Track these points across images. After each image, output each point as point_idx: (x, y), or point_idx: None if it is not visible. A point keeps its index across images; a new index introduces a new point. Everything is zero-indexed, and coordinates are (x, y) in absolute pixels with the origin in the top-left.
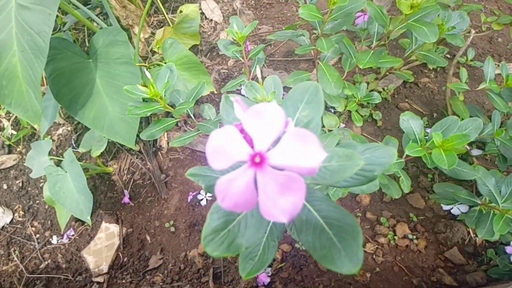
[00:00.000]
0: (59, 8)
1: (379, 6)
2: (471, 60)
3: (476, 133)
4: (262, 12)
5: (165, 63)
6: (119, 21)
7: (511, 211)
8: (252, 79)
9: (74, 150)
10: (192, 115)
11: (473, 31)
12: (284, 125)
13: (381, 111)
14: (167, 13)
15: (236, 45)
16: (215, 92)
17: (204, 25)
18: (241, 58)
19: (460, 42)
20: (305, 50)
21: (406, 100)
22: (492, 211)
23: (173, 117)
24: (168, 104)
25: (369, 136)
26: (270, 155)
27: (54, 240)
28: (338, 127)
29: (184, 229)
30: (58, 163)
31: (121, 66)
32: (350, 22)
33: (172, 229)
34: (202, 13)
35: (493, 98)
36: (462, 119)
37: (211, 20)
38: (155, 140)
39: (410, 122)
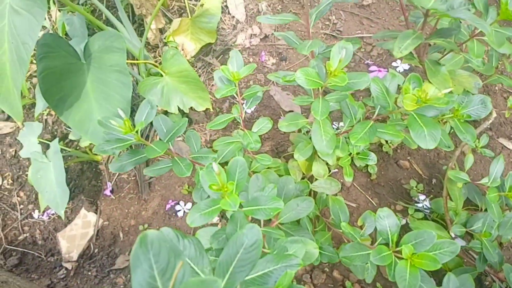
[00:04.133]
0: None
1: (384, 85)
2: (482, 147)
3: (451, 257)
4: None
5: (164, 72)
6: (132, 9)
7: None
8: (246, 118)
9: (66, 130)
10: (171, 147)
11: (494, 114)
12: None
13: (378, 164)
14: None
15: (231, 84)
16: (211, 110)
17: (225, 20)
18: (236, 95)
19: (470, 138)
20: (303, 101)
21: (408, 157)
22: None
23: None
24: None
25: (359, 188)
26: None
27: (36, 214)
28: (327, 176)
29: None
30: (47, 148)
31: (114, 74)
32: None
33: None
34: (226, 7)
35: (489, 204)
36: (456, 210)
37: (233, 17)
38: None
39: (387, 221)
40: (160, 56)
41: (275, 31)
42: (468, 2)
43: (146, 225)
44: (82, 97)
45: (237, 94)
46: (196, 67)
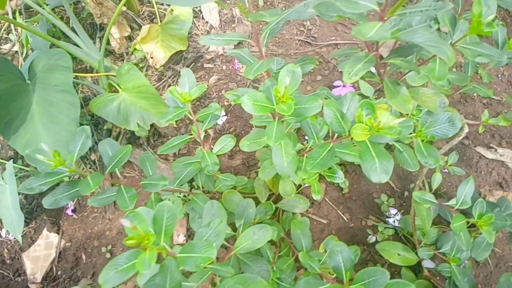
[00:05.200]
0: None
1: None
2: (451, 165)
3: None
4: (261, 26)
5: (121, 88)
6: (92, 19)
7: None
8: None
9: None
10: (118, 173)
11: (466, 130)
12: None
13: (350, 177)
14: (158, 4)
15: (181, 106)
16: (175, 125)
17: (198, 25)
18: (190, 115)
19: (432, 161)
20: (261, 122)
21: None
22: None
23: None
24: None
25: (330, 203)
26: None
27: (3, 233)
28: (295, 193)
29: None
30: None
31: (60, 94)
32: None
33: (108, 255)
34: (200, 11)
35: (456, 231)
36: (423, 231)
37: (207, 22)
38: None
39: (340, 256)
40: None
41: (249, 37)
42: (431, 18)
43: (109, 247)
44: (28, 120)
45: (190, 114)
46: (165, 76)
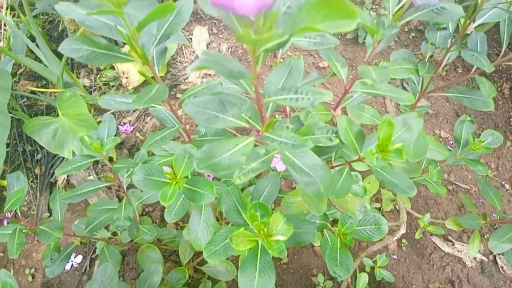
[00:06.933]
0: None
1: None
2: (380, 267)
3: None
4: (244, 66)
5: (61, 112)
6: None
7: None
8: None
9: None
10: (19, 212)
11: (402, 231)
12: None
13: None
14: None
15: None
16: (115, 159)
17: (185, 53)
18: (105, 160)
19: (342, 273)
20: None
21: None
22: None
23: None
24: None
25: None
26: None
27: None
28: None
29: (40, 285)
30: None
31: None
32: None
33: (30, 278)
34: (190, 40)
35: None
36: None
37: (194, 52)
38: (54, 171)
39: None
40: (100, 82)
41: None
42: (333, 129)
43: (33, 270)
44: None
45: (106, 159)
46: None
